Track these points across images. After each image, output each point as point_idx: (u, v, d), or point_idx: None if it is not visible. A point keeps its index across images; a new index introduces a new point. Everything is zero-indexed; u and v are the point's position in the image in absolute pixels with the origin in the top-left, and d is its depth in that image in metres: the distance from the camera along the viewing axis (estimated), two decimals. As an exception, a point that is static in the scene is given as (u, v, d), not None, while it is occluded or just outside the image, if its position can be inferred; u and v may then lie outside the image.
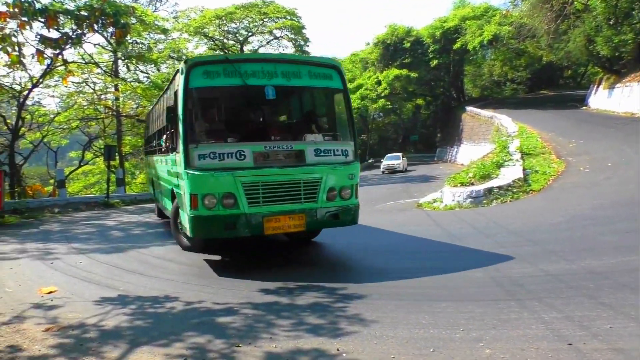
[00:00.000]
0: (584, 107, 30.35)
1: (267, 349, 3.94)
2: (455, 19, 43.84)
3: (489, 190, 12.08)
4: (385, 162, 37.87)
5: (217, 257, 7.64)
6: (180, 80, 6.75)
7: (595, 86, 30.37)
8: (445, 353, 3.73)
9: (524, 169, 13.77)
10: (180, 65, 6.92)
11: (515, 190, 12.16)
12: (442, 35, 44.54)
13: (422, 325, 4.33)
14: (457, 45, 42.60)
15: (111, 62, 26.62)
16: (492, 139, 24.38)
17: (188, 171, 6.54)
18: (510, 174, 13.23)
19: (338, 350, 3.86)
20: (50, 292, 5.81)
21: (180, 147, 6.64)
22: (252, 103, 8.28)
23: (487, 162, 15.13)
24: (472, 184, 13.06)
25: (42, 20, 11.17)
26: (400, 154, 39.64)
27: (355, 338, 4.10)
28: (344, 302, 5.10)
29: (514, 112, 30.76)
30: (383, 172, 37.05)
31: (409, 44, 46.88)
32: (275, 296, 5.45)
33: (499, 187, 12.13)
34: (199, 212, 6.50)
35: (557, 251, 6.76)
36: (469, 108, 39.78)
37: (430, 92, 54.47)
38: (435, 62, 45.75)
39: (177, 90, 6.93)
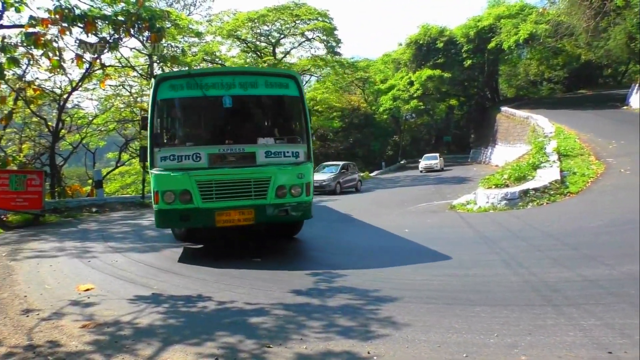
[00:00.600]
0: (625, 107, 29.31)
1: (298, 350, 3.94)
2: (489, 17, 43.00)
3: (525, 192, 11.79)
4: (424, 162, 39.65)
5: (249, 259, 7.70)
6: (150, 92, 7.97)
7: (637, 85, 29.31)
8: (479, 359, 3.65)
9: (561, 171, 13.39)
10: (152, 80, 8.08)
11: (552, 192, 11.83)
12: (476, 34, 43.76)
13: (455, 330, 4.26)
14: (491, 45, 41.77)
15: (147, 66, 27.15)
16: (528, 140, 23.84)
17: (152, 171, 7.78)
18: (547, 175, 12.88)
19: (369, 353, 3.82)
20: (88, 290, 5.97)
21: (148, 150, 7.90)
22: (213, 111, 8.82)
23: (523, 164, 14.79)
24: (507, 186, 12.78)
25: (81, 25, 11.47)
26: (437, 154, 41.32)
27: (386, 341, 4.06)
28: (376, 305, 5.06)
29: (550, 112, 29.96)
30: (421, 171, 38.74)
31: (442, 44, 46.27)
32: (307, 297, 5.45)
33: (535, 189, 11.83)
34: (159, 206, 7.60)
35: (596, 256, 6.54)
36: (503, 108, 38.98)
37: (463, 92, 53.60)
38: (469, 62, 44.99)
39: (149, 101, 8.16)
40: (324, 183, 23.45)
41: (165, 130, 8.46)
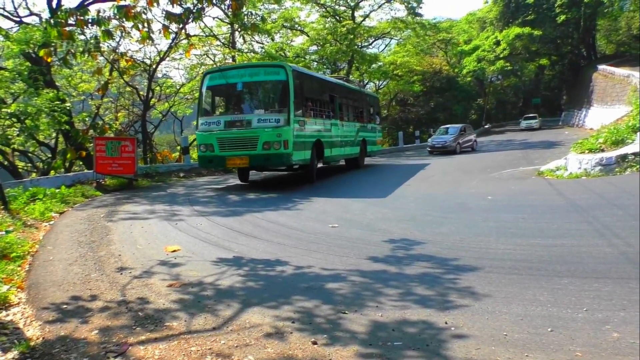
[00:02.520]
0: None
1: (373, 317, 3.93)
2: (588, -33, 39.34)
3: (623, 157, 10.87)
4: (524, 122, 43.68)
5: (323, 224, 7.77)
6: (200, 82, 13.95)
7: None
8: (565, 334, 3.45)
9: (666, 134, 12.20)
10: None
11: (654, 158, 10.82)
12: (572, -14, 40.27)
13: (540, 302, 4.05)
14: (589, -3, 38.29)
15: (229, 34, 27.76)
16: (628, 101, 21.88)
17: (196, 132, 13.21)
18: (650, 139, 11.79)
19: (446, 323, 3.73)
20: (174, 251, 6.31)
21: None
22: (231, 93, 13.29)
23: (621, 126, 13.61)
24: (603, 150, 11.85)
25: (167, -4, 11.84)
26: (536, 115, 45.24)
27: (465, 312, 3.95)
28: (455, 274, 4.93)
29: (656, 70, 27.21)
30: (522, 128, 42.90)
31: (532, -1, 43.10)
32: (384, 265, 5.42)
33: (635, 154, 10.86)
34: (199, 153, 12.83)
35: None
36: (601, 67, 35.87)
37: (555, 50, 49.82)
38: (562, 17, 41.48)
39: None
40: (446, 144, 25.31)
41: (207, 106, 13.42)
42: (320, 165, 14.68)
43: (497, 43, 44.91)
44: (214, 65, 27.64)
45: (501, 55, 44.42)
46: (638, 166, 10.60)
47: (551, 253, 5.49)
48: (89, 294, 4.76)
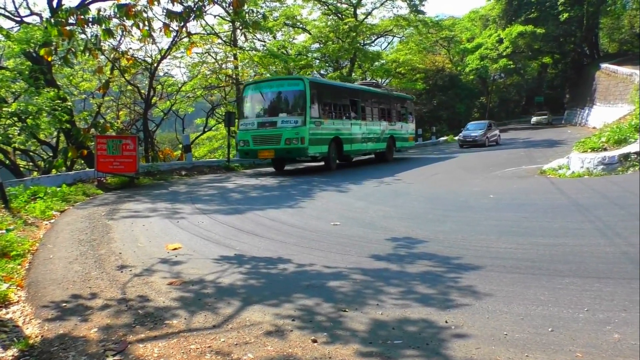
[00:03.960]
0: None
1: (374, 316, 3.91)
2: (591, -35, 39.21)
3: (625, 157, 10.83)
4: (535, 118, 48.07)
5: (325, 222, 7.76)
6: (241, 93, 17.88)
7: None
8: (566, 334, 3.42)
9: (670, 133, 12.13)
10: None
11: (658, 156, 10.77)
12: (575, -16, 40.12)
13: (541, 302, 4.02)
14: (592, -5, 38.18)
15: (230, 32, 27.73)
16: (631, 99, 21.82)
17: (238, 130, 16.88)
18: (653, 138, 11.73)
19: (446, 322, 3.71)
20: (175, 249, 6.30)
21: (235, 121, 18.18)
22: (262, 101, 16.35)
23: (624, 125, 13.55)
24: (605, 149, 11.80)
25: (168, -6, 11.83)
26: (546, 112, 48.78)
27: (465, 311, 3.92)
28: (457, 273, 4.90)
29: (659, 67, 27.07)
30: (533, 124, 47.06)
31: (536, -3, 42.95)
32: (386, 263, 5.39)
33: (637, 153, 10.81)
34: (239, 148, 16.54)
35: None
36: (604, 65, 35.76)
37: (558, 48, 49.64)
38: (565, 15, 41.35)
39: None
40: (477, 138, 28.25)
41: (243, 110, 16.95)
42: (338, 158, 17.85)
43: (500, 41, 44.85)
44: (215, 64, 27.78)
45: (504, 54, 44.38)
46: (639, 165, 10.56)
47: (553, 252, 5.45)
48: (89, 292, 4.75)
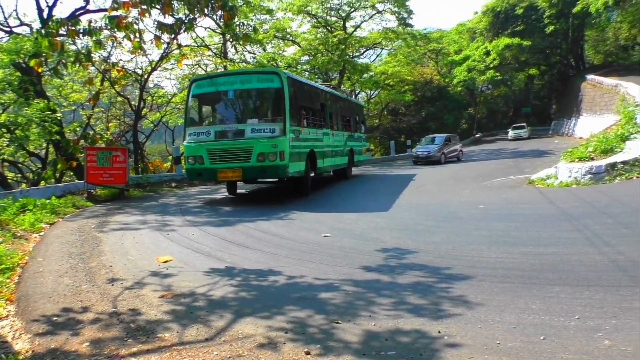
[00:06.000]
0: None
1: (366, 327, 3.92)
2: (576, -21, 39.88)
3: (612, 166, 10.99)
4: (513, 132, 42.99)
5: (316, 234, 7.77)
6: (187, 90, 12.93)
7: None
8: (558, 342, 3.46)
9: (654, 143, 12.34)
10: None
11: (643, 166, 10.94)
12: (559, -2, 40.77)
13: (532, 311, 4.07)
14: (577, 9, 38.63)
15: (220, 44, 27.81)
16: (617, 110, 22.11)
17: (184, 143, 12.17)
18: (637, 147, 11.92)
19: (439, 332, 3.73)
20: (166, 262, 6.28)
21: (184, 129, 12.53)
22: (222, 101, 12.53)
23: (610, 135, 13.75)
24: (592, 159, 11.96)
25: (159, 7, 11.88)
26: (525, 124, 44.60)
27: (458, 321, 3.95)
28: (448, 283, 4.94)
29: (643, 79, 27.55)
30: (510, 139, 42.12)
31: (521, 10, 43.46)
32: (377, 274, 5.42)
33: (624, 162, 10.98)
34: (187, 166, 11.97)
35: (693, 235, 5.99)
36: (589, 76, 36.31)
37: (544, 60, 50.31)
38: (551, 28, 41.96)
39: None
40: (431, 154, 25.06)
41: (195, 115, 12.68)
42: (312, 175, 13.61)
43: (487, 53, 45.30)
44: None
45: (491, 65, 44.80)
46: (627, 175, 10.71)
47: (543, 261, 5.52)
48: (80, 306, 4.72)
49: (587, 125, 30.18)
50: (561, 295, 4.38)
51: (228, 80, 12.00)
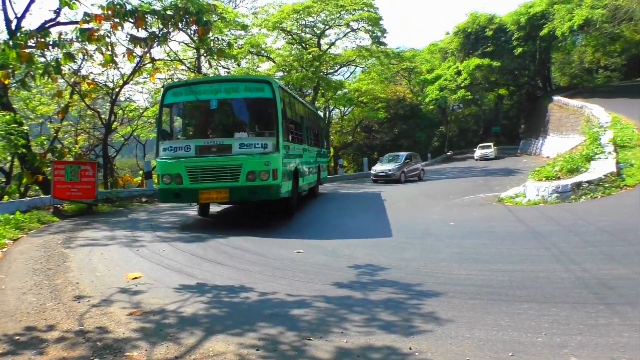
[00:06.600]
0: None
1: (338, 343, 3.91)
2: (542, 3, 41.18)
3: (578, 185, 11.32)
4: (479, 151, 42.41)
5: (289, 250, 7.74)
6: (160, 98, 10.76)
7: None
8: (525, 358, 3.53)
9: (617, 163, 12.77)
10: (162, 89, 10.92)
11: (607, 185, 11.31)
12: (527, 21, 42.07)
13: (501, 327, 4.13)
14: (544, 32, 40.09)
15: (194, 59, 27.72)
16: (582, 131, 22.87)
17: (156, 159, 10.34)
18: (602, 167, 12.32)
19: (410, 349, 3.75)
20: (135, 278, 6.15)
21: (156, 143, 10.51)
22: (203, 111, 11.19)
23: (576, 155, 14.19)
24: (559, 178, 12.30)
25: (132, 21, 11.81)
26: (491, 144, 43.82)
27: (428, 337, 3.98)
28: (419, 299, 4.97)
29: (607, 101, 28.57)
30: (476, 159, 41.16)
31: (491, 32, 44.80)
32: (349, 290, 5.42)
33: (589, 182, 11.34)
34: (161, 186, 10.16)
35: (655, 252, 6.20)
36: (556, 97, 37.53)
37: (513, 81, 51.83)
38: (519, 50, 43.35)
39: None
40: (390, 172, 24.42)
41: (168, 127, 11.06)
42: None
43: (458, 73, 46.38)
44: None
45: (462, 85, 45.89)
46: (592, 194, 11.02)
47: (512, 278, 5.62)
48: (44, 324, 4.57)
49: (553, 145, 31.07)
50: (529, 312, 4.46)
51: (210, 88, 10.41)
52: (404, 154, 27.15)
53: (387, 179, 24.27)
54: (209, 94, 10.31)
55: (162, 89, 10.79)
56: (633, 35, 38.59)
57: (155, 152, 10.34)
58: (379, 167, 25.38)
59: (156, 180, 10.00)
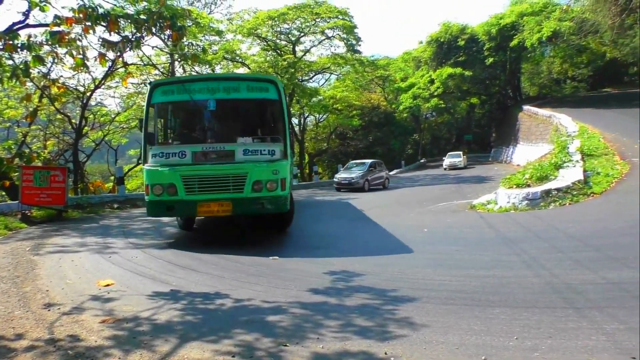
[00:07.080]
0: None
1: (314, 349, 3.92)
2: (512, 15, 42.32)
3: (547, 192, 11.60)
4: (448, 160, 40.20)
5: (264, 256, 7.72)
6: (146, 97, 9.14)
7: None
8: (498, 362, 3.59)
9: (584, 171, 13.14)
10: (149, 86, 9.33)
11: (574, 192, 11.61)
12: (498, 32, 43.14)
13: (474, 332, 4.20)
14: (514, 43, 41.14)
15: (168, 64, 27.46)
16: (551, 139, 23.46)
17: (144, 167, 8.83)
18: (570, 175, 12.66)
19: (386, 354, 3.79)
20: (108, 285, 6.04)
21: (142, 148, 9.01)
22: (199, 113, 9.82)
23: (545, 163, 14.54)
24: (529, 186, 12.58)
25: (104, 24, 11.61)
26: (460, 152, 41.83)
27: (404, 342, 4.02)
28: (394, 305, 5.02)
29: (574, 111, 29.42)
30: (445, 168, 39.18)
31: (463, 42, 45.72)
32: (324, 296, 5.44)
33: (558, 189, 11.63)
34: (149, 198, 8.61)
35: (620, 258, 6.40)
36: (526, 107, 38.44)
37: (485, 90, 52.89)
38: (490, 60, 44.39)
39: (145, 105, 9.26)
40: (353, 180, 23.75)
41: (157, 130, 9.69)
42: None
43: (432, 81, 47.06)
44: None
45: (435, 93, 46.57)
46: (560, 201, 11.30)
47: (484, 284, 5.72)
48: (13, 333, 4.45)
49: (524, 153, 31.75)
50: (501, 317, 4.55)
51: (207, 87, 9.10)
52: (368, 161, 26.66)
53: (350, 187, 23.69)
54: (205, 93, 9.04)
55: (148, 84, 9.49)
56: (599, 47, 39.85)
57: (142, 159, 9.05)
58: (343, 175, 24.81)
59: (146, 192, 8.57)
